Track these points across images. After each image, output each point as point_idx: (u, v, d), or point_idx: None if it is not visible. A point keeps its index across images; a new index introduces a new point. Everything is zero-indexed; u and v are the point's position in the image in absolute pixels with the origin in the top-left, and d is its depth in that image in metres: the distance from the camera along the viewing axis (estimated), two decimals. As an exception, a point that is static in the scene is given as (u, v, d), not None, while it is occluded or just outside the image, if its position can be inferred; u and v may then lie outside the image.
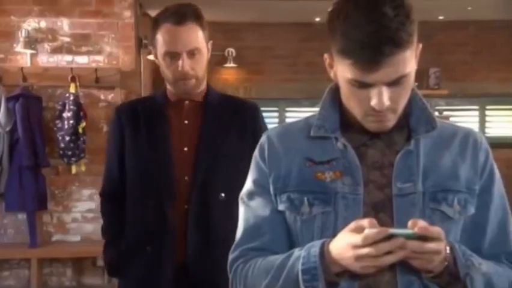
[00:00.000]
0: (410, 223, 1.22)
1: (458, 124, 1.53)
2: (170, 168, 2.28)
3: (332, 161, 1.40)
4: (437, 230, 1.22)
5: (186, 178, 2.28)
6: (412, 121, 1.42)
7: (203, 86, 2.36)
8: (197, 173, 2.26)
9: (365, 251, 1.20)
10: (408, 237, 1.20)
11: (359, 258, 1.22)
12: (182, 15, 2.22)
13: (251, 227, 1.47)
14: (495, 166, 1.46)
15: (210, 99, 2.36)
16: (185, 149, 2.29)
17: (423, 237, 1.20)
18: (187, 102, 2.34)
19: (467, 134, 1.46)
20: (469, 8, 6.78)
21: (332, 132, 1.43)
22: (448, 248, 1.28)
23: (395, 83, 1.29)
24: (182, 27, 2.21)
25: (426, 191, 1.37)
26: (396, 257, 1.21)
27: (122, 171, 2.38)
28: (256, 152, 1.52)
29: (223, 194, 2.27)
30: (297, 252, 1.36)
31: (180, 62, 2.22)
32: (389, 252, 1.20)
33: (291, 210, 1.42)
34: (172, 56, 2.23)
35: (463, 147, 1.43)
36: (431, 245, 1.21)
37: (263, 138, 1.52)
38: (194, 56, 2.24)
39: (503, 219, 1.45)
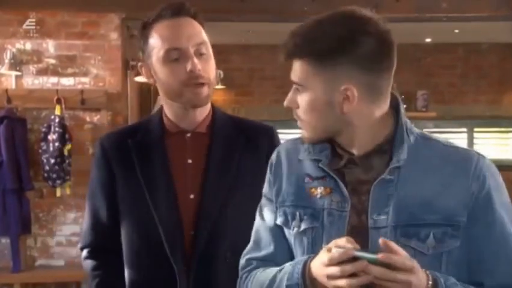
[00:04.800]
0: (380, 241, 1.21)
1: (461, 146, 1.43)
2: (179, 222, 1.83)
3: (325, 177, 1.41)
4: (402, 261, 1.18)
5: (192, 233, 1.84)
6: (394, 148, 1.39)
7: (208, 108, 1.93)
8: (202, 227, 1.83)
9: (331, 270, 1.22)
10: (372, 262, 1.18)
11: (329, 277, 1.23)
12: (180, 7, 1.82)
13: (258, 237, 1.55)
14: (495, 194, 1.36)
15: (216, 130, 1.92)
16: (192, 196, 1.85)
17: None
18: (189, 135, 1.89)
19: (463, 160, 1.38)
20: (456, 31, 6.81)
21: (315, 154, 1.44)
22: (430, 282, 1.25)
23: None
24: (182, 18, 1.81)
25: (399, 224, 1.33)
26: (360, 280, 1.20)
27: (115, 220, 1.91)
28: (268, 165, 1.57)
29: (228, 254, 1.82)
30: (287, 267, 1.39)
31: (189, 62, 1.76)
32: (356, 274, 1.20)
33: (284, 224, 1.47)
34: (176, 56, 1.77)
35: (452, 175, 1.36)
36: (398, 276, 1.18)
37: (275, 152, 1.57)
38: (202, 55, 1.80)
39: (508, 248, 1.36)
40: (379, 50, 1.32)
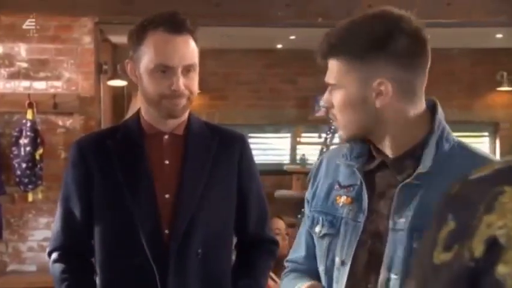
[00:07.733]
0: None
1: (499, 159, 1.43)
2: (157, 220, 1.87)
3: (350, 187, 1.45)
4: None
5: (167, 231, 1.88)
6: (424, 153, 1.38)
7: (187, 113, 1.97)
8: (177, 226, 1.88)
9: None
10: None
11: None
12: (181, 23, 1.85)
13: (297, 240, 1.63)
14: None
15: (192, 132, 1.96)
16: (167, 195, 1.90)
17: None
18: (166, 136, 1.94)
19: None
20: (428, 36, 6.87)
21: (352, 159, 1.46)
22: None
23: None
24: (180, 36, 1.83)
25: (415, 228, 1.33)
26: None
27: (89, 223, 1.92)
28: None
29: (199, 250, 1.89)
30: None
31: (175, 80, 1.81)
32: None
33: (310, 228, 1.54)
34: (165, 71, 1.82)
35: None
36: None
37: (319, 158, 1.62)
38: (189, 72, 1.85)
39: None
40: (413, 47, 1.37)
